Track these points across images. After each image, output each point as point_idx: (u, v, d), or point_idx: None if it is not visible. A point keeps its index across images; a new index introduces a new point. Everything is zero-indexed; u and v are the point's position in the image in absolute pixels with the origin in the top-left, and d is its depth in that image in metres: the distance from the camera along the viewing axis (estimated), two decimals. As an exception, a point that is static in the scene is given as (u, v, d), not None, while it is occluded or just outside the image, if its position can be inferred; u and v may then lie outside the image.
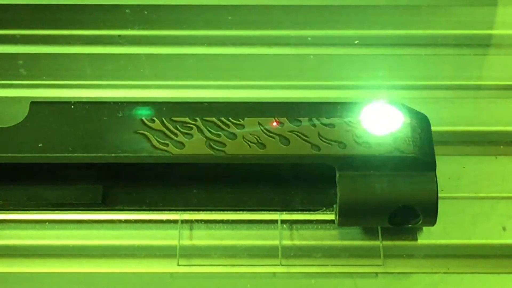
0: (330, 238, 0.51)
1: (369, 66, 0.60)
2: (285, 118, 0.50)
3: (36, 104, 0.50)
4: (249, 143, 0.49)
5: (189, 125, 0.49)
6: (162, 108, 0.50)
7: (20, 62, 0.60)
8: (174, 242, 0.50)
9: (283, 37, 0.62)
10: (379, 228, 0.50)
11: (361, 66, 0.60)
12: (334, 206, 0.50)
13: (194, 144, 0.49)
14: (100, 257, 0.50)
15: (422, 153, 0.48)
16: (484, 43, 0.62)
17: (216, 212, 0.51)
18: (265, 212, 0.51)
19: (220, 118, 0.49)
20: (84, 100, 0.51)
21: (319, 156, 0.48)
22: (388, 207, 0.48)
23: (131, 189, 0.51)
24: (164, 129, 0.49)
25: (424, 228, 0.51)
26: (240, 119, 0.50)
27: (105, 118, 0.50)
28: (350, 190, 0.48)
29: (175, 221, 0.51)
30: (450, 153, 0.54)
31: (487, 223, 0.51)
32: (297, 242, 0.50)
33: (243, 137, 0.49)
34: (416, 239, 0.51)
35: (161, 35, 0.62)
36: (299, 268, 0.50)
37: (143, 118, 0.49)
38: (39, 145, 0.48)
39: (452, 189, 0.53)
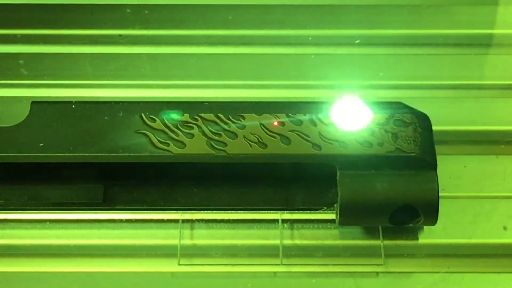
0: (331, 238, 0.51)
1: (370, 66, 0.60)
2: (286, 118, 0.50)
3: (37, 104, 0.50)
4: (250, 142, 0.49)
5: (190, 124, 0.49)
6: (163, 107, 0.50)
7: (21, 61, 0.60)
8: (175, 241, 0.50)
9: (284, 36, 0.62)
10: (380, 227, 0.50)
11: (362, 66, 0.60)
12: (335, 205, 0.50)
13: (195, 144, 0.49)
14: (101, 256, 0.50)
15: (423, 152, 0.48)
16: (485, 43, 0.62)
17: (217, 211, 0.51)
18: (266, 211, 0.51)
19: (221, 117, 0.49)
20: (85, 99, 0.51)
21: (320, 155, 0.48)
22: (389, 206, 0.48)
23: (132, 189, 0.51)
24: (165, 129, 0.49)
25: (425, 227, 0.51)
26: (241, 119, 0.50)
27: (106, 117, 0.50)
28: (351, 189, 0.48)
29: (176, 221, 0.51)
30: (451, 153, 0.54)
31: (488, 222, 0.51)
32: (298, 242, 0.50)
33: (244, 137, 0.49)
34: (417, 239, 0.51)
35: (162, 35, 0.62)
36: (300, 267, 0.50)
37: (143, 117, 0.49)
38: (40, 144, 0.49)
39: (453, 189, 0.53)
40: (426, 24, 0.63)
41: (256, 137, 0.49)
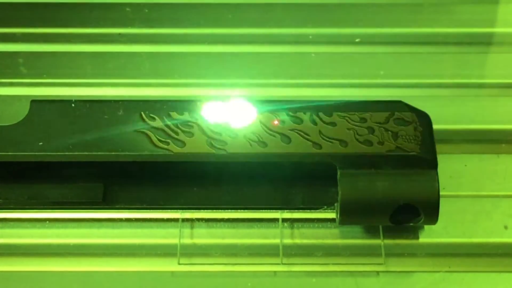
0: (331, 237, 0.50)
1: (370, 64, 0.60)
2: (286, 116, 0.49)
3: (37, 103, 0.50)
4: (250, 141, 0.49)
5: (189, 123, 0.49)
6: (163, 106, 0.50)
7: (21, 60, 0.60)
8: (175, 240, 0.50)
9: (284, 35, 0.62)
10: (380, 226, 0.50)
11: (362, 64, 0.60)
12: (335, 204, 0.50)
13: (195, 143, 0.49)
14: (100, 255, 0.50)
15: (424, 151, 0.48)
16: (485, 41, 0.62)
17: (217, 210, 0.51)
18: (266, 210, 0.51)
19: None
20: (84, 98, 0.51)
21: (320, 154, 0.48)
22: (389, 205, 0.48)
23: (131, 188, 0.51)
24: (165, 128, 0.49)
25: (426, 226, 0.51)
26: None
27: (105, 116, 0.49)
28: (351, 188, 0.48)
29: (176, 220, 0.51)
30: (451, 152, 0.54)
31: (489, 221, 0.51)
32: (298, 241, 0.50)
33: (244, 136, 0.49)
34: (417, 238, 0.51)
35: (162, 33, 0.62)
36: (300, 266, 0.49)
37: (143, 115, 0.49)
38: (40, 143, 0.48)
39: (453, 188, 0.53)
40: (427, 23, 0.63)
41: (256, 136, 0.49)
